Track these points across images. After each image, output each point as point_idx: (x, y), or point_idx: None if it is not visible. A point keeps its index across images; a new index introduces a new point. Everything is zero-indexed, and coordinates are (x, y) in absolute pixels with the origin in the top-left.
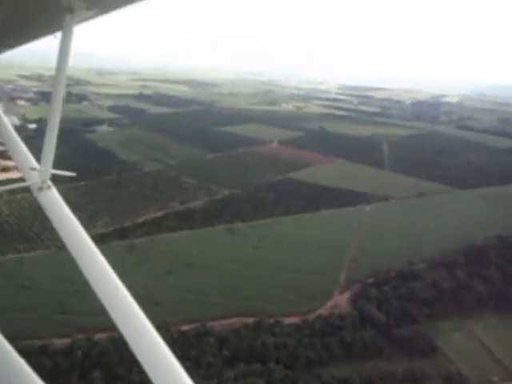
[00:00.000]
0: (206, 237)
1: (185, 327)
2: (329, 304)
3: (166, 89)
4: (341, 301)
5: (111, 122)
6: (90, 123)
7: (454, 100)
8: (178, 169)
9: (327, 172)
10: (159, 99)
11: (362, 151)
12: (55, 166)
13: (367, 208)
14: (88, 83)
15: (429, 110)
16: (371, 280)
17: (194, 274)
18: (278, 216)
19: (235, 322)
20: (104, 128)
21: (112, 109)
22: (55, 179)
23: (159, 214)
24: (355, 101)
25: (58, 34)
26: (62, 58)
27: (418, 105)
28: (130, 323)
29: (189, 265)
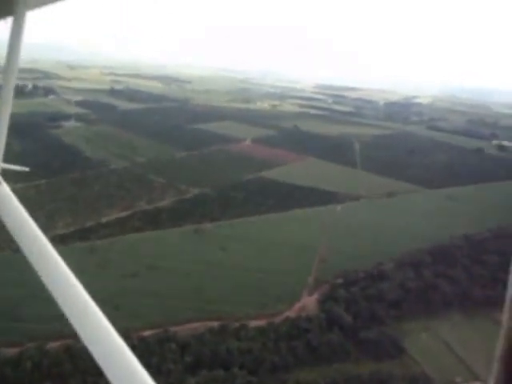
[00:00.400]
0: (172, 238)
1: (146, 333)
2: (297, 306)
3: (138, 84)
4: (309, 302)
5: (78, 118)
6: (56, 118)
7: (425, 101)
8: (146, 167)
9: (299, 171)
10: (131, 95)
11: (335, 150)
12: (13, 162)
13: (338, 207)
14: (57, 77)
15: (401, 110)
16: (340, 281)
17: (158, 277)
18: (247, 216)
19: (199, 326)
20: (71, 123)
21: (80, 103)
22: (13, 177)
23: (124, 213)
24: (330, 100)
25: (9, 20)
26: (14, 46)
27: (391, 105)
28: (90, 329)
29: (153, 267)
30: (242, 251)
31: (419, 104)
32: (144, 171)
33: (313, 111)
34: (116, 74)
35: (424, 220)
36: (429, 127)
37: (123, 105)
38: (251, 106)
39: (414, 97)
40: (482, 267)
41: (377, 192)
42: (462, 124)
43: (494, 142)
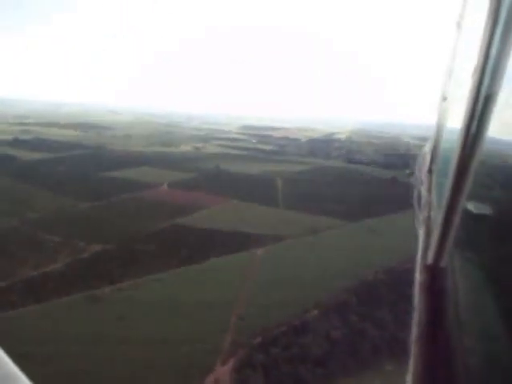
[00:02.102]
0: (57, 311)
1: None
2: (208, 380)
3: (50, 133)
4: (223, 374)
5: None
6: None
7: (343, 136)
8: (38, 223)
9: (219, 214)
10: (37, 144)
11: (257, 190)
12: None
13: (260, 251)
14: None
15: (322, 146)
16: (259, 340)
17: (30, 366)
18: (156, 272)
19: None
20: None
21: None
22: None
23: None
24: (254, 140)
25: None
26: None
27: (313, 142)
28: None
29: (24, 354)
30: (144, 318)
31: (338, 139)
32: (35, 229)
33: (236, 151)
34: (25, 124)
35: (348, 256)
36: (347, 160)
37: (25, 155)
38: (173, 149)
39: (334, 133)
40: (407, 303)
41: (300, 230)
42: (376, 155)
43: (407, 170)
